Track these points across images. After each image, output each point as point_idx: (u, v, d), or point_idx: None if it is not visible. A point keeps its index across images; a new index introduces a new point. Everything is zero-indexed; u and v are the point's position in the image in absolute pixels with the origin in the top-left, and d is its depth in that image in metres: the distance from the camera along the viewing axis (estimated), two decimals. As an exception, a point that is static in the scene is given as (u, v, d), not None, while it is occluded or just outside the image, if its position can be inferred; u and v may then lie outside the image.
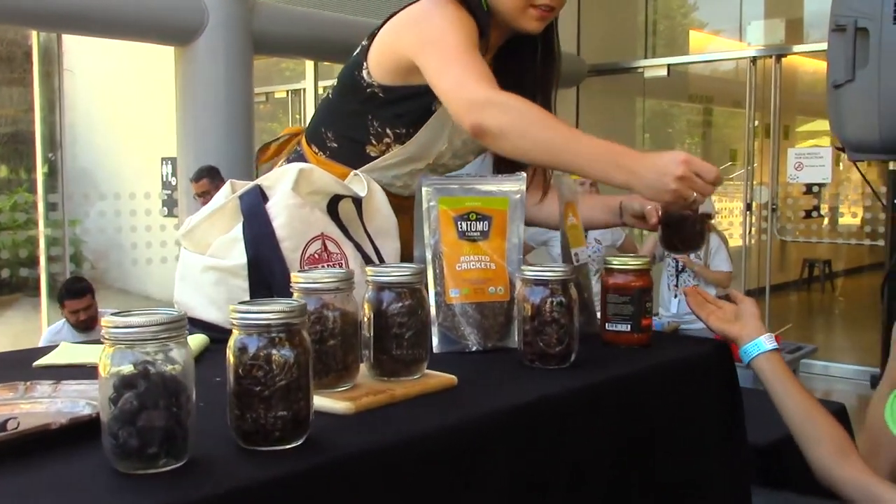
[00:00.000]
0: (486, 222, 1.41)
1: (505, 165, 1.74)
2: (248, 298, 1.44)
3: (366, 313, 1.13)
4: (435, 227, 1.40)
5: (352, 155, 1.70)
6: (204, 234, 1.50)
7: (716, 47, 10.36)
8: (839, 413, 3.20)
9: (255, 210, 1.47)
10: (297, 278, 1.07)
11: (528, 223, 1.91)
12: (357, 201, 1.56)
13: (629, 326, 1.41)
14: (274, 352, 0.88)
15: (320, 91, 8.96)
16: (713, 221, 1.62)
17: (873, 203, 6.54)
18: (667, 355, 1.37)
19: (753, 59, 7.16)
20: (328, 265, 1.47)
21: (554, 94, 1.77)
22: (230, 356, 0.89)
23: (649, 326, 1.42)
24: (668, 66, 7.70)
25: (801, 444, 1.39)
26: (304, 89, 8.80)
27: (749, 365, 1.45)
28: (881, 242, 6.39)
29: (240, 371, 0.88)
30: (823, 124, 12.34)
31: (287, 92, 9.44)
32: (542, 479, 1.10)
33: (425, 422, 1.01)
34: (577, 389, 1.17)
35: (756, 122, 7.36)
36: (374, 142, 1.70)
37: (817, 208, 7.70)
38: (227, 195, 1.53)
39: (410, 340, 1.13)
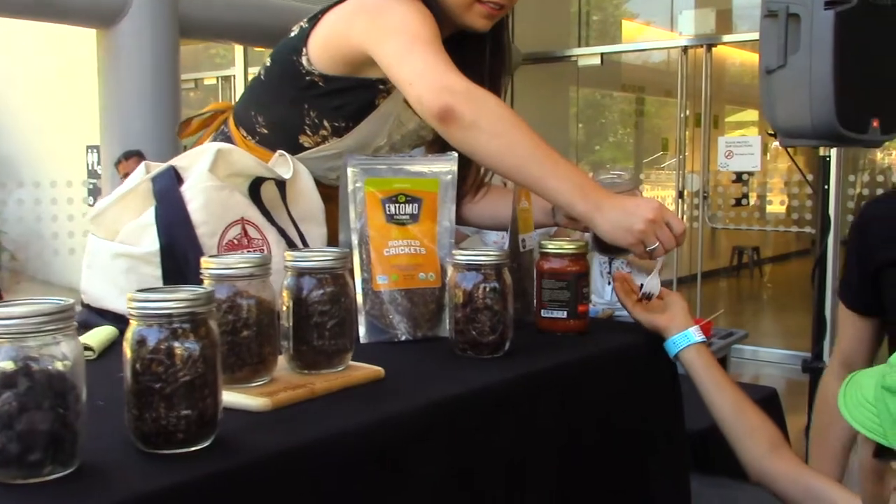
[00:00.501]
0: (415, 205, 1.33)
1: (437, 149, 1.66)
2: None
3: (284, 301, 1.05)
4: (361, 209, 1.32)
5: (283, 143, 1.59)
6: (114, 219, 1.40)
7: (648, 37, 10.45)
8: (771, 398, 3.22)
9: (168, 193, 1.37)
10: (208, 263, 0.98)
11: (458, 221, 1.83)
12: (281, 184, 1.47)
13: (565, 313, 1.35)
14: (176, 344, 0.79)
15: (250, 77, 8.75)
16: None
17: (800, 191, 6.65)
18: (605, 343, 1.32)
19: (685, 49, 7.20)
20: (248, 252, 1.38)
21: (503, 90, 1.68)
22: (127, 350, 0.80)
23: (586, 313, 1.37)
24: (602, 55, 7.71)
25: (731, 438, 1.34)
26: (234, 76, 8.61)
27: (676, 356, 1.38)
28: (808, 229, 6.51)
29: (137, 366, 0.79)
30: (752, 114, 12.58)
31: (217, 78, 9.22)
32: (477, 477, 1.03)
33: (348, 418, 0.93)
34: (512, 380, 1.11)
35: (687, 112, 7.42)
36: (309, 132, 1.60)
37: (746, 196, 7.82)
38: (141, 177, 1.43)
39: (333, 330, 1.05)
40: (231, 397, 0.93)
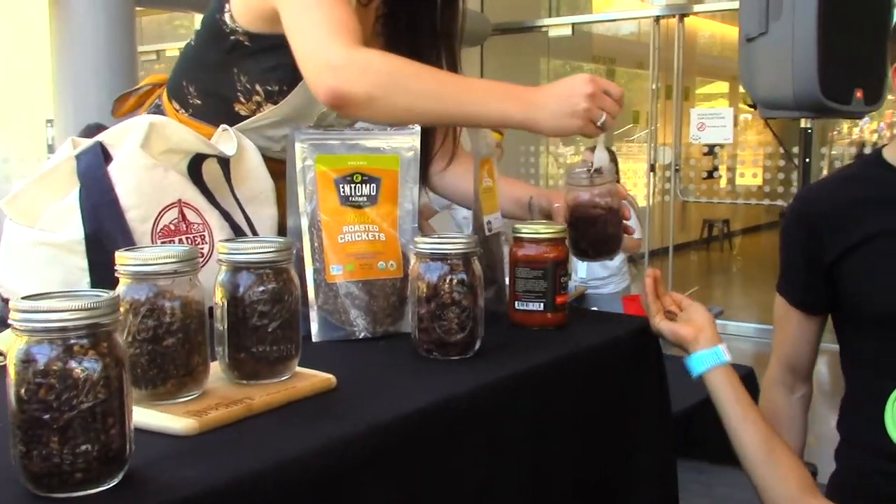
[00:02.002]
0: (373, 185, 1.19)
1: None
2: (87, 279, 1.20)
3: (218, 301, 0.90)
4: (312, 191, 1.17)
5: (218, 114, 1.43)
6: (33, 202, 1.24)
7: (619, 7, 10.30)
8: (747, 377, 3.12)
9: (94, 173, 1.22)
10: (124, 258, 0.83)
11: (431, 190, 1.68)
12: (224, 162, 1.31)
13: (542, 305, 1.21)
14: (72, 364, 0.64)
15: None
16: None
17: (772, 163, 6.58)
18: (586, 338, 1.18)
19: (657, 19, 7.07)
20: (187, 238, 1.23)
21: (458, 49, 1.52)
22: (10, 371, 0.65)
23: (564, 305, 1.23)
24: (573, 25, 7.56)
25: (756, 478, 1.20)
26: (195, 46, 8.34)
27: (701, 377, 1.24)
28: (780, 202, 6.44)
29: (23, 392, 0.64)
30: (721, 86, 12.52)
31: (179, 49, 8.94)
32: None
33: (291, 441, 0.79)
34: (484, 387, 0.97)
35: (658, 83, 7.31)
36: (242, 99, 1.42)
37: (716, 169, 7.75)
38: (66, 154, 1.27)
39: (276, 334, 0.90)
40: (150, 418, 0.79)
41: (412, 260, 1.16)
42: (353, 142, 1.19)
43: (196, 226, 1.24)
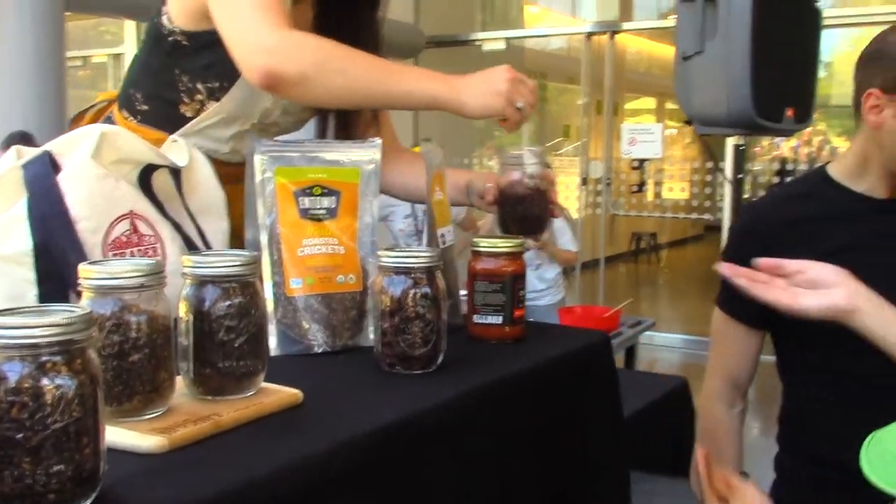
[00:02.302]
0: (333, 198, 1.18)
1: (343, 127, 1.52)
2: (35, 291, 1.17)
3: (183, 316, 0.88)
4: (271, 203, 1.16)
5: (165, 117, 1.44)
6: (-24, 213, 1.19)
7: (551, 23, 10.45)
8: (681, 388, 3.19)
9: (42, 183, 1.18)
10: (88, 272, 0.81)
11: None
12: (175, 172, 1.29)
13: (500, 318, 1.22)
14: (45, 382, 0.62)
15: (141, 55, 8.34)
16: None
17: (699, 178, 6.75)
18: (547, 352, 1.19)
19: (588, 35, 7.20)
20: (139, 251, 1.20)
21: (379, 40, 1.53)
22: (-21, 390, 0.62)
23: (522, 318, 1.24)
24: (506, 39, 7.64)
25: None
26: (124, 53, 8.20)
27: None
28: (707, 216, 6.61)
29: (-7, 411, 0.62)
30: (648, 102, 12.79)
31: (107, 56, 8.77)
32: (410, 516, 0.89)
33: (261, 458, 0.77)
34: (450, 401, 0.97)
35: (589, 98, 7.44)
36: (186, 100, 1.43)
37: (644, 183, 7.91)
38: (11, 164, 1.23)
39: (242, 349, 0.89)
40: (117, 436, 0.77)
41: (372, 273, 1.16)
42: (312, 154, 1.18)
43: (148, 238, 1.22)
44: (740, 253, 1.50)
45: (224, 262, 0.88)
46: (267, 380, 0.95)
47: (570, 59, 9.59)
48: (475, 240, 1.24)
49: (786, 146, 8.08)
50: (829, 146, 8.64)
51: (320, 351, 1.15)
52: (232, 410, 0.85)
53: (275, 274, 1.14)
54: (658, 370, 6.00)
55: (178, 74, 1.42)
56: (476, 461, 1.00)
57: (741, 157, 3.06)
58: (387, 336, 1.05)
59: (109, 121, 1.54)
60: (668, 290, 10.41)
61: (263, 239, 1.15)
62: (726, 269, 1.15)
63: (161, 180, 1.28)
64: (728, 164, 5.40)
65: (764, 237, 1.43)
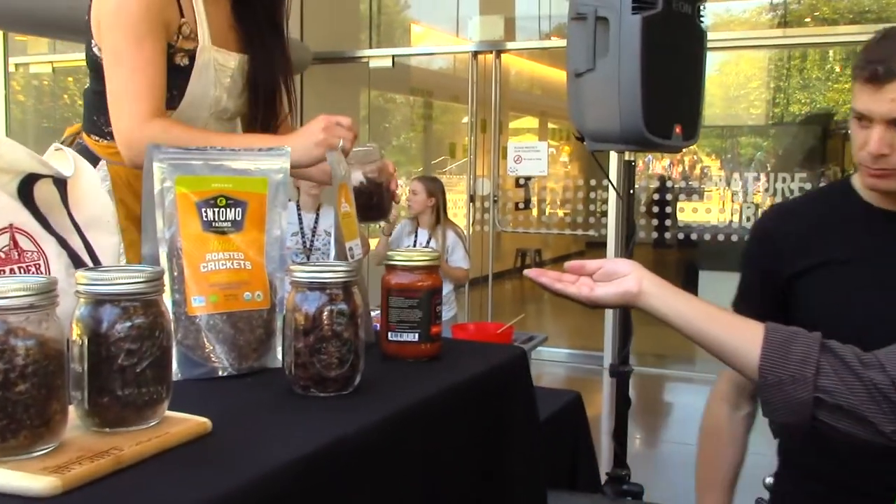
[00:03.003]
0: (238, 209, 1.10)
1: (258, 125, 1.68)
2: None
3: (76, 339, 0.79)
4: (171, 215, 1.07)
5: None
6: None
7: (436, 42, 10.51)
8: (575, 402, 3.21)
9: None
10: (-35, 292, 0.71)
11: None
12: (60, 182, 1.18)
13: (417, 335, 1.17)
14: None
15: (11, 69, 7.96)
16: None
17: (583, 195, 6.88)
18: (464, 368, 1.14)
19: (475, 54, 7.26)
20: (19, 268, 1.09)
21: (285, 20, 1.73)
22: None
23: (439, 334, 1.19)
24: (393, 57, 7.62)
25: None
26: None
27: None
28: (591, 232, 6.74)
29: None
30: (531, 121, 13.03)
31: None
32: (333, 551, 0.82)
33: (169, 496, 0.69)
34: (372, 425, 0.90)
35: (475, 117, 7.50)
36: None
37: (529, 200, 8.02)
38: None
39: (145, 374, 0.80)
40: (2, 478, 0.67)
41: (279, 289, 1.08)
42: (217, 162, 1.10)
43: (30, 254, 1.11)
44: (755, 252, 1.48)
45: (124, 278, 0.80)
46: (169, 408, 0.86)
47: (456, 77, 9.66)
48: (390, 253, 1.19)
49: (660, 165, 8.35)
50: (700, 165, 8.99)
51: (225, 374, 1.06)
52: (133, 443, 0.77)
53: (175, 292, 1.05)
54: (546, 384, 6.06)
55: None
56: (399, 485, 0.93)
57: (631, 172, 3.10)
58: (300, 357, 0.98)
59: (81, 146, 1.65)
60: (553, 305, 10.57)
61: (162, 254, 1.06)
62: (532, 272, 1.18)
63: (44, 191, 1.17)
64: (617, 180, 5.53)
65: (778, 237, 1.43)
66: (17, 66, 8.50)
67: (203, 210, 1.07)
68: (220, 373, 1.06)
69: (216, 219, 1.08)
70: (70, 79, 8.83)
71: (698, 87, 3.06)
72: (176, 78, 1.54)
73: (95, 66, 1.57)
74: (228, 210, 1.09)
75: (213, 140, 1.38)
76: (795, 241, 1.43)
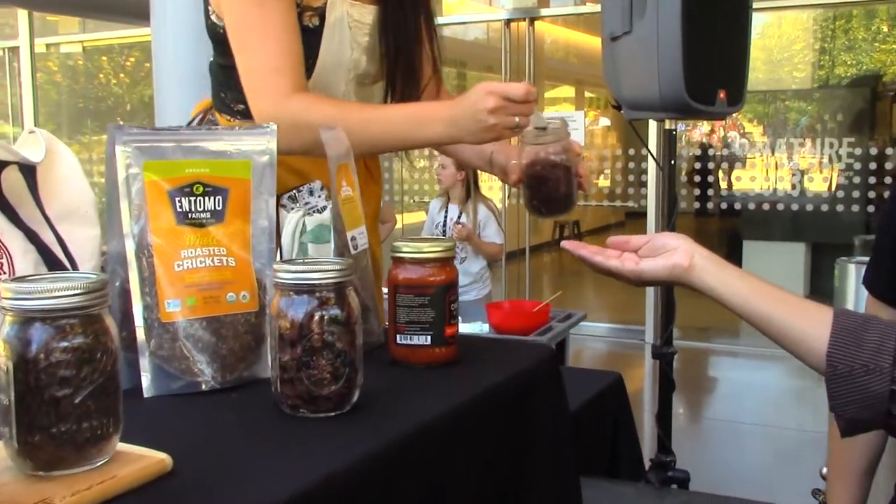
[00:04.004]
0: (218, 198, 0.95)
1: (397, 92, 1.50)
2: None
3: (1, 365, 0.65)
4: (139, 206, 0.92)
5: None
6: None
7: (469, 11, 10.30)
8: (615, 384, 3.05)
9: None
10: None
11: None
12: (28, 170, 1.05)
13: (429, 338, 1.02)
14: None
15: (37, 48, 7.95)
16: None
17: (622, 165, 6.68)
18: (488, 376, 0.99)
19: (507, 22, 7.05)
20: (-23, 268, 0.96)
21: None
22: None
23: (455, 336, 1.04)
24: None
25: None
26: (19, 47, 7.74)
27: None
28: (631, 203, 6.54)
29: None
30: (568, 90, 12.78)
31: (3, 50, 8.31)
32: None
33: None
34: (372, 453, 0.76)
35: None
36: None
37: (569, 171, 7.80)
38: None
39: (85, 407, 0.66)
40: None
41: (270, 289, 0.94)
42: (191, 144, 0.95)
43: (-10, 251, 0.98)
44: (890, 220, 1.32)
45: (57, 290, 0.65)
46: (133, 435, 0.72)
47: (490, 47, 9.45)
48: (396, 244, 1.03)
49: (698, 132, 8.09)
50: (742, 131, 8.71)
51: (208, 388, 0.93)
52: (68, 493, 0.63)
53: (146, 295, 0.91)
54: (586, 362, 5.91)
55: None
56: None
57: (673, 142, 2.91)
58: (287, 371, 0.83)
59: (212, 122, 1.51)
60: (593, 279, 10.39)
61: (130, 251, 0.92)
62: (570, 244, 1.13)
63: (11, 179, 1.04)
64: (657, 150, 5.33)
65: None
66: (48, 46, 8.47)
67: (177, 199, 0.93)
68: (202, 387, 0.93)
69: (192, 209, 0.94)
70: (104, 58, 8.79)
71: (743, 49, 2.85)
72: (306, 42, 1.34)
73: (217, 37, 1.40)
74: (206, 199, 0.94)
75: (366, 114, 1.30)
76: None
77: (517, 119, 1.20)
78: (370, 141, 1.28)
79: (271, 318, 0.85)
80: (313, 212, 1.17)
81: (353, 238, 1.07)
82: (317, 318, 0.82)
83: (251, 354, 0.96)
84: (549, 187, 1.27)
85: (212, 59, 1.49)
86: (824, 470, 2.17)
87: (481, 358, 1.08)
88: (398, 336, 1.03)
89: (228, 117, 1.46)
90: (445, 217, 4.46)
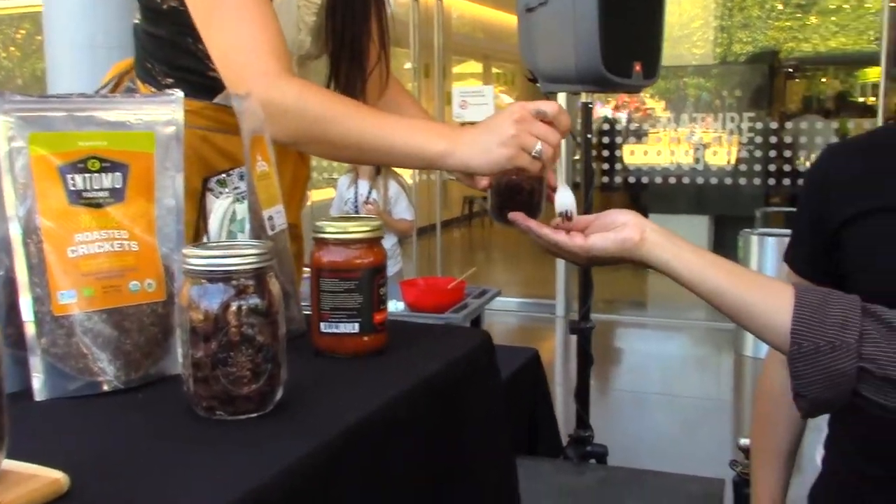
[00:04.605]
0: (117, 174, 0.84)
1: (341, 78, 1.39)
2: None
3: None
4: (25, 184, 0.81)
5: (196, 85, 1.27)
6: None
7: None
8: (532, 361, 3.02)
9: None
10: None
11: None
12: None
13: (356, 325, 0.93)
14: None
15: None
16: None
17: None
18: (421, 365, 0.91)
19: (416, -2, 6.97)
20: None
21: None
22: None
23: (384, 323, 0.96)
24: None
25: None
26: None
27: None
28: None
29: None
30: (476, 66, 12.75)
31: None
32: None
33: None
34: (300, 460, 0.67)
35: (417, 63, 7.24)
36: (212, 65, 1.19)
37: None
38: None
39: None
40: None
41: (179, 275, 0.84)
42: (85, 113, 0.83)
43: None
44: (808, 196, 1.31)
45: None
46: (23, 446, 0.62)
47: (397, 21, 9.34)
48: (318, 223, 0.94)
49: (606, 107, 8.17)
50: (644, 107, 8.83)
51: (110, 389, 0.82)
52: (-58, 527, 0.53)
53: (35, 286, 0.80)
54: (499, 337, 5.89)
55: (192, 43, 1.25)
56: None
57: (589, 115, 2.88)
58: (201, 369, 0.74)
59: (131, 90, 1.38)
60: (503, 253, 10.44)
61: (15, 235, 0.80)
62: (517, 216, 1.07)
63: None
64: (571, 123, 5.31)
65: (831, 180, 1.25)
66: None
67: (69, 177, 0.82)
68: (103, 387, 0.82)
69: (87, 187, 0.83)
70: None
71: (658, 21, 2.83)
72: None
73: (150, 6, 1.28)
74: (104, 176, 0.83)
75: (365, 113, 1.13)
76: (848, 186, 1.24)
77: (539, 144, 1.04)
78: (358, 140, 1.11)
79: (181, 310, 0.75)
80: (244, 198, 1.06)
81: (271, 217, 0.98)
82: (234, 308, 0.73)
83: (158, 349, 0.86)
84: (522, 196, 1.16)
85: (137, 21, 1.36)
86: (741, 441, 2.20)
87: (413, 345, 1.00)
88: (323, 324, 0.94)
89: (153, 89, 1.33)
90: (356, 194, 4.37)
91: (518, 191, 1.15)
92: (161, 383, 0.85)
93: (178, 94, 0.89)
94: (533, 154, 1.04)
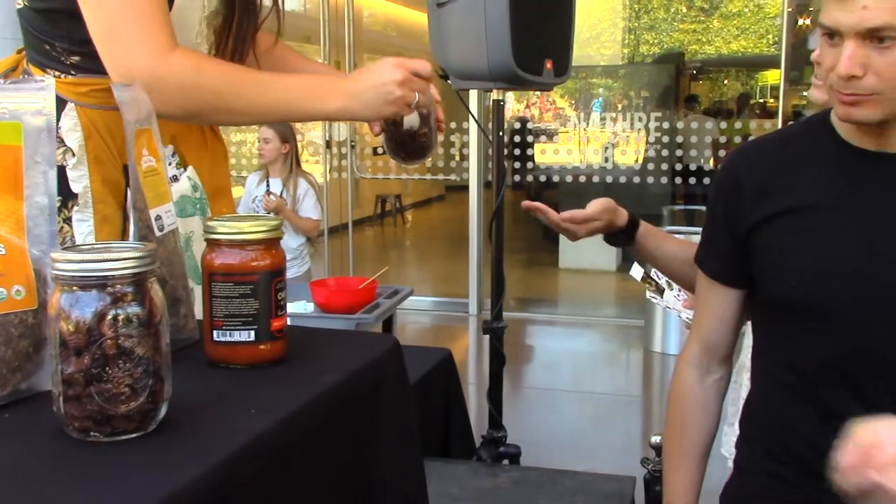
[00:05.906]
0: (-21, 170, 0.76)
1: (230, 31, 1.39)
2: None
3: None
4: None
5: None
6: None
7: (285, -19, 9.98)
8: (445, 361, 2.99)
9: None
10: None
11: None
12: None
13: (252, 333, 0.86)
14: None
15: None
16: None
17: (444, 138, 6.65)
18: (324, 374, 0.84)
19: (326, -6, 6.87)
20: None
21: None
22: None
23: (283, 330, 0.89)
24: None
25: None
26: None
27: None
28: (453, 176, 6.53)
29: None
30: (386, 64, 12.72)
31: None
32: None
33: None
34: (194, 486, 0.60)
35: (328, 60, 7.15)
36: None
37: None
38: None
39: None
40: None
41: (51, 281, 0.76)
42: (-62, 100, 0.75)
43: None
44: (719, 195, 1.31)
45: None
46: None
47: (308, 17, 9.19)
48: (210, 223, 0.87)
49: (517, 106, 8.22)
50: (554, 106, 8.92)
51: (-29, 408, 0.74)
52: None
53: None
54: (411, 337, 5.86)
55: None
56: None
57: (501, 113, 2.85)
58: (73, 386, 0.66)
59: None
60: (416, 251, 10.41)
61: None
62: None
63: None
64: (483, 122, 5.31)
65: (743, 179, 1.26)
66: None
67: (-79, 172, 0.73)
68: (-38, 406, 0.74)
69: (-57, 184, 0.74)
70: None
71: (569, 19, 2.83)
72: None
73: None
74: (-37, 171, 0.75)
75: (261, 79, 1.20)
76: (760, 185, 1.24)
77: (417, 96, 1.23)
78: (262, 108, 1.20)
79: (50, 320, 0.67)
80: (176, 179, 1.00)
81: (159, 217, 0.90)
82: (109, 318, 0.66)
83: (28, 363, 0.78)
84: (408, 130, 1.35)
85: (20, 5, 1.25)
86: (653, 439, 2.20)
87: (315, 353, 0.94)
88: (215, 332, 0.87)
89: (58, 73, 1.21)
90: (268, 192, 4.26)
91: (411, 136, 1.36)
92: (32, 400, 0.77)
93: (50, 80, 0.81)
94: (413, 106, 1.24)
